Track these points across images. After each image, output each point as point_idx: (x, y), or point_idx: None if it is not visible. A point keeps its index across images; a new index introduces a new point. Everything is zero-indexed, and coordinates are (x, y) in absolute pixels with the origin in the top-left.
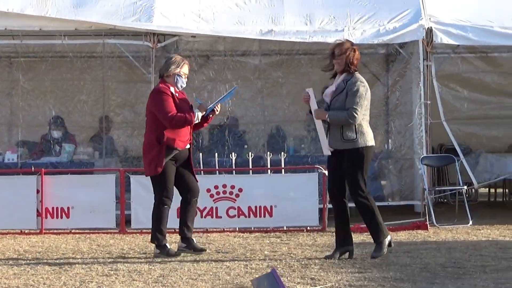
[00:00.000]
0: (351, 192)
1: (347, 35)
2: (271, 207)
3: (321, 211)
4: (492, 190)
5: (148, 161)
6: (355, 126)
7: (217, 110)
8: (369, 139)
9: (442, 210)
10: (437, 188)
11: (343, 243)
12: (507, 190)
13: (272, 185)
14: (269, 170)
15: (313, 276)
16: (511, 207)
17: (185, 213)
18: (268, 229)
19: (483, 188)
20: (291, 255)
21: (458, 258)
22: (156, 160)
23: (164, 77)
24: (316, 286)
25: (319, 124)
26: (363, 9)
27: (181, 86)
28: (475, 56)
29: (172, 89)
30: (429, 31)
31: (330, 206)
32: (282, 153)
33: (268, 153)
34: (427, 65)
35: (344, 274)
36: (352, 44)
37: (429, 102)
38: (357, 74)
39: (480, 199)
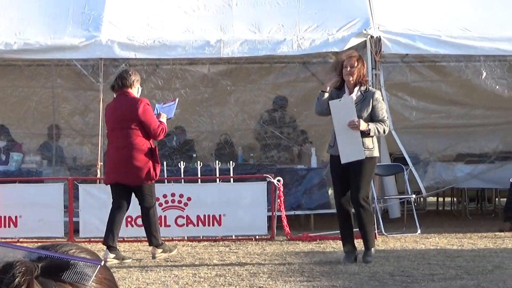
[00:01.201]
0: (357, 197)
1: (296, 45)
2: (220, 216)
3: (269, 220)
4: (441, 199)
5: (146, 169)
6: (372, 136)
7: None
8: (377, 149)
9: (391, 219)
10: (385, 197)
11: (354, 248)
12: (455, 199)
13: (220, 194)
14: (217, 179)
15: (261, 285)
16: (459, 216)
17: (118, 224)
18: (217, 238)
19: (432, 197)
20: (240, 263)
21: (406, 266)
22: (155, 167)
23: (129, 88)
24: None
25: (356, 133)
26: (311, 17)
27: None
28: (423, 65)
29: None
30: (378, 41)
31: (279, 214)
32: (231, 161)
33: (217, 161)
34: (375, 74)
35: (293, 283)
36: (359, 55)
37: None
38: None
39: (429, 208)
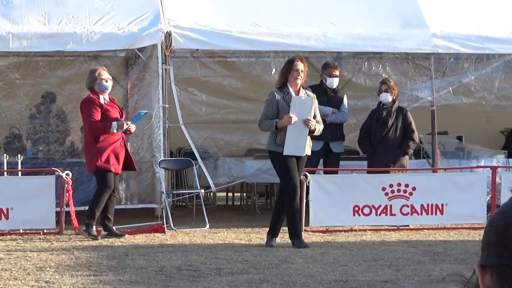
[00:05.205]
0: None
1: (85, 39)
2: (7, 209)
3: (58, 214)
4: (230, 194)
5: (89, 157)
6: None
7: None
8: None
9: (180, 213)
10: (174, 192)
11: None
12: (244, 194)
13: (8, 187)
14: (6, 172)
15: (48, 279)
16: (248, 211)
17: (107, 207)
18: (4, 232)
19: (222, 192)
20: (27, 258)
21: (194, 261)
22: (98, 155)
23: (88, 88)
24: None
25: (306, 131)
26: (102, 9)
27: (106, 89)
28: (213, 61)
29: (102, 98)
30: (168, 35)
31: (67, 209)
32: (19, 155)
33: (5, 155)
34: (165, 69)
35: (80, 277)
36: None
37: (167, 105)
38: None
39: (219, 202)
